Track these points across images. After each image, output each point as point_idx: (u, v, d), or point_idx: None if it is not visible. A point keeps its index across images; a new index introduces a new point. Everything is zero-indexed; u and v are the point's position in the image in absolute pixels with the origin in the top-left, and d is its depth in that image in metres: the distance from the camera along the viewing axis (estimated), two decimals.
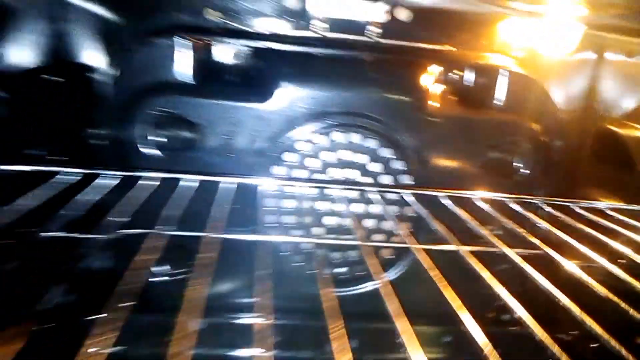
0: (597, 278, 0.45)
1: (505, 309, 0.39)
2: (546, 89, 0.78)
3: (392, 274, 0.80)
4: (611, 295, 0.42)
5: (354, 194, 0.77)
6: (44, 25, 0.64)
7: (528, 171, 0.78)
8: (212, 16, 0.72)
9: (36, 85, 0.65)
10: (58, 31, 0.67)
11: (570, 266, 0.47)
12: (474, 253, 0.47)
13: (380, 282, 0.42)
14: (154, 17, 0.70)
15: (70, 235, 0.50)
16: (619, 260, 0.55)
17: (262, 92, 0.73)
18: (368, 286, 0.80)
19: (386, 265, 0.80)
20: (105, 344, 0.32)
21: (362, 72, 0.77)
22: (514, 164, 0.79)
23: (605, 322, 0.37)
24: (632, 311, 0.39)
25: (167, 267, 0.76)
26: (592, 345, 0.75)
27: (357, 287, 0.80)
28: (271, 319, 0.82)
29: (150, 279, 0.76)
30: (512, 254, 0.48)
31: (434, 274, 0.43)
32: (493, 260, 0.46)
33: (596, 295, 0.42)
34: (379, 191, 0.68)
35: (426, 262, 0.45)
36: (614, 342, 0.35)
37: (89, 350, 0.34)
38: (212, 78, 0.73)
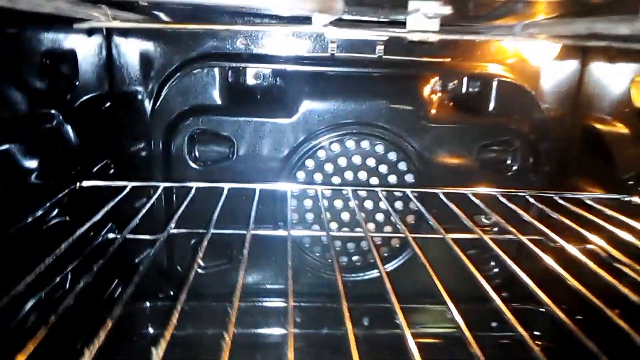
0: (558, 258, 0.56)
1: (477, 287, 0.51)
2: (533, 94, 0.88)
3: (395, 262, 0.92)
4: (564, 273, 0.53)
5: (364, 193, 0.89)
6: (99, 61, 0.77)
7: (517, 167, 0.89)
8: (240, 44, 0.84)
9: (96, 113, 0.79)
10: (111, 66, 0.80)
11: (535, 249, 0.59)
12: (456, 240, 0.58)
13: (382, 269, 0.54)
14: (190, 49, 0.83)
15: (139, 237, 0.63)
16: (587, 246, 0.66)
17: (284, 108, 0.85)
18: (374, 272, 0.92)
19: (391, 253, 0.92)
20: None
21: (370, 85, 0.88)
22: (506, 161, 0.90)
23: (553, 293, 0.48)
24: (583, 289, 0.50)
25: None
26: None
27: (367, 273, 0.93)
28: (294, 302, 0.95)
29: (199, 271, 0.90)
30: (487, 240, 0.60)
31: (424, 260, 0.55)
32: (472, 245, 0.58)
33: (551, 272, 0.53)
34: (384, 190, 0.79)
35: (417, 249, 0.57)
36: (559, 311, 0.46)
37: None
38: (241, 98, 0.86)
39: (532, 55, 0.87)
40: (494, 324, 0.93)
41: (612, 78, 0.87)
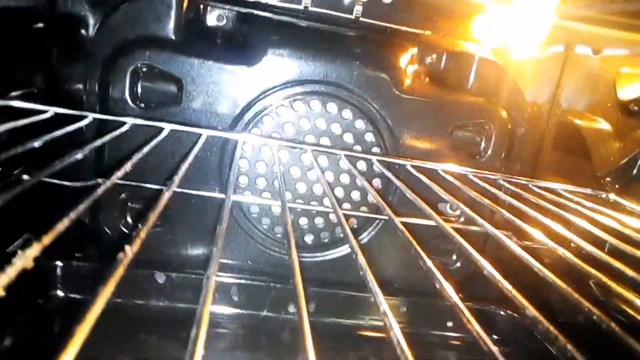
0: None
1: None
2: (515, 78, 0.83)
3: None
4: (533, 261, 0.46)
5: (325, 163, 0.80)
6: None
7: (490, 153, 0.83)
8: None
9: (28, 34, 0.67)
10: None
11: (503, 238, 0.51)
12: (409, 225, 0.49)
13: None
14: None
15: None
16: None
17: (245, 54, 0.75)
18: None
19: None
20: None
21: (343, 46, 0.80)
22: (480, 145, 0.83)
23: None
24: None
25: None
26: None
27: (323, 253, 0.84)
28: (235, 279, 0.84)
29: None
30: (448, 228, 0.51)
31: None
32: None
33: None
34: (348, 155, 0.71)
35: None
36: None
37: None
38: (197, 37, 0.76)
39: (520, 36, 0.81)
40: (449, 324, 0.86)
41: (595, 70, 0.83)
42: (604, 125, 0.79)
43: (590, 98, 0.82)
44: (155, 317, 0.76)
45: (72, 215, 0.32)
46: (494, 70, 0.83)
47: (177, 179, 0.47)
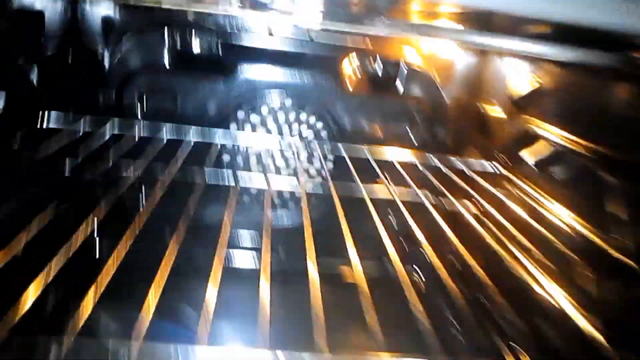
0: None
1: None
2: (435, 80, 1.06)
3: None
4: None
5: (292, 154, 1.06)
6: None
7: (419, 140, 1.07)
8: (190, 17, 1.00)
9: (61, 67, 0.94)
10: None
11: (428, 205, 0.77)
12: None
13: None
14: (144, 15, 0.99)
15: None
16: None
17: (224, 73, 1.01)
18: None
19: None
20: None
21: (301, 61, 1.05)
22: (409, 134, 1.08)
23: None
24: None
25: None
26: None
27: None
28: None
29: None
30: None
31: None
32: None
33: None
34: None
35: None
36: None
37: None
38: (186, 62, 1.02)
39: (439, 49, 1.04)
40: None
41: (497, 70, 1.04)
42: (502, 114, 1.01)
43: (498, 93, 1.04)
44: None
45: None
46: (420, 74, 1.06)
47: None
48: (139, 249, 0.58)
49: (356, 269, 0.58)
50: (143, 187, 0.89)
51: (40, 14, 0.82)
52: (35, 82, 0.83)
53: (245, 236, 1.11)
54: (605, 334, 0.54)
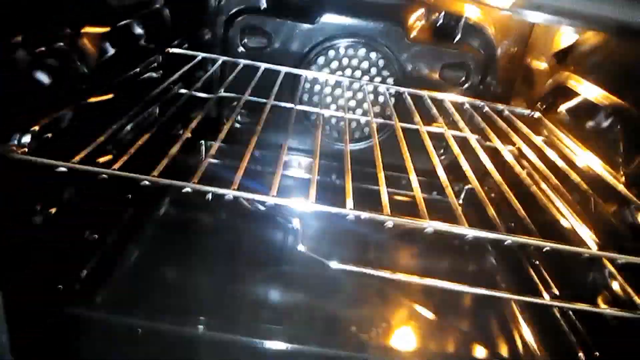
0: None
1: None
2: (491, 35, 1.22)
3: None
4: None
5: (356, 86, 1.26)
6: None
7: (470, 84, 1.25)
8: None
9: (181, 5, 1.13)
10: None
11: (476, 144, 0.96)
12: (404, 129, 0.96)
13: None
14: None
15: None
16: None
17: (309, 16, 1.20)
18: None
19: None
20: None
21: (373, 8, 1.21)
22: (462, 79, 1.25)
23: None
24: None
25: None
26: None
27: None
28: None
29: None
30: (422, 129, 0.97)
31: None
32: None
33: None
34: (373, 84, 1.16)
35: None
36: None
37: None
38: (281, 5, 1.20)
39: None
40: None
41: (545, 30, 1.19)
42: (544, 65, 1.17)
43: (541, 49, 1.19)
44: None
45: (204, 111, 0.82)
46: (476, 27, 1.21)
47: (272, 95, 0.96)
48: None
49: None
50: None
51: None
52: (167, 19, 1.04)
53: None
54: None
